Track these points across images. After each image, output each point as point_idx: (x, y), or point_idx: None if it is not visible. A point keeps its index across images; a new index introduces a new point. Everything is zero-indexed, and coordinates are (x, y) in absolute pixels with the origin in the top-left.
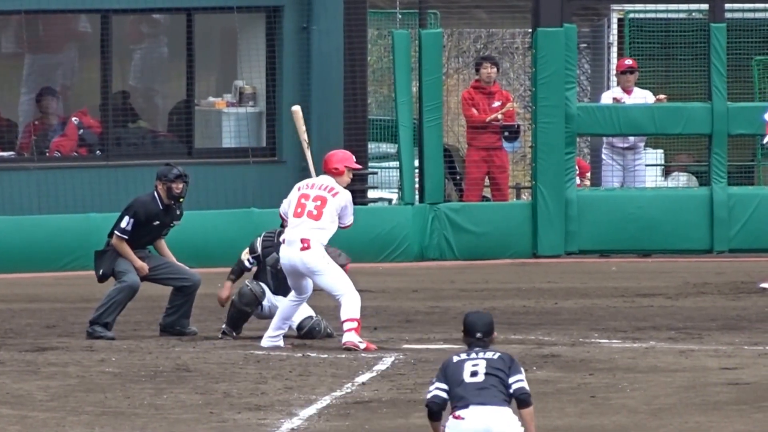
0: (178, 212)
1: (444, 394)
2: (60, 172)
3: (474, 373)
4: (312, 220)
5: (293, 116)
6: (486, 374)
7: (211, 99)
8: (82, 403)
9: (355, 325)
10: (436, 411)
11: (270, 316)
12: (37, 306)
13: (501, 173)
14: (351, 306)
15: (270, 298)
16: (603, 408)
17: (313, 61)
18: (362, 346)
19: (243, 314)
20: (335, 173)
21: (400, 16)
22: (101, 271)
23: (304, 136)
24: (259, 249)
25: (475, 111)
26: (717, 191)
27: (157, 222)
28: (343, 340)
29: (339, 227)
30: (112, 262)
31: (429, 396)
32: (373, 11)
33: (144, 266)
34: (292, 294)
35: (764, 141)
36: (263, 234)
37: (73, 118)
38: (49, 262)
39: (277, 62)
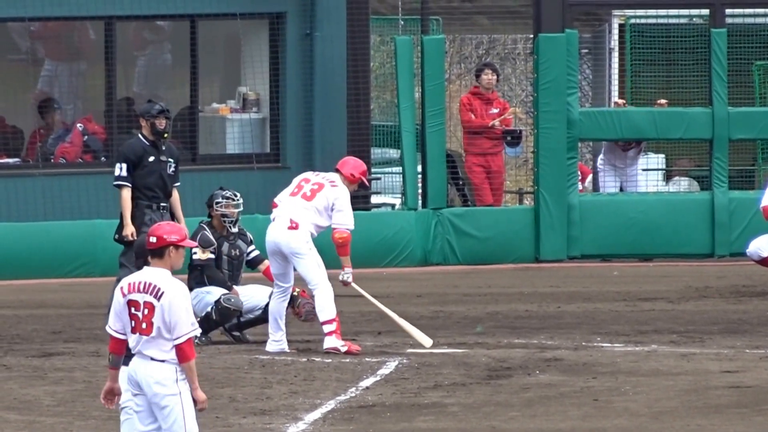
0: (168, 149)
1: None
2: (65, 179)
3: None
4: (305, 200)
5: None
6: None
7: (214, 105)
8: (88, 408)
9: (333, 327)
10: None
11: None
12: (43, 312)
13: (497, 178)
14: (325, 304)
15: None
16: (605, 411)
17: (316, 68)
18: (344, 349)
19: (218, 326)
20: (349, 178)
21: (402, 23)
22: (117, 236)
23: None
24: (214, 239)
25: (472, 116)
26: (718, 195)
27: (152, 158)
28: (324, 346)
29: (332, 225)
30: (138, 225)
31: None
32: (375, 17)
33: (133, 231)
34: (276, 290)
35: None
36: (200, 229)
37: (78, 125)
38: (55, 268)
39: (281, 68)
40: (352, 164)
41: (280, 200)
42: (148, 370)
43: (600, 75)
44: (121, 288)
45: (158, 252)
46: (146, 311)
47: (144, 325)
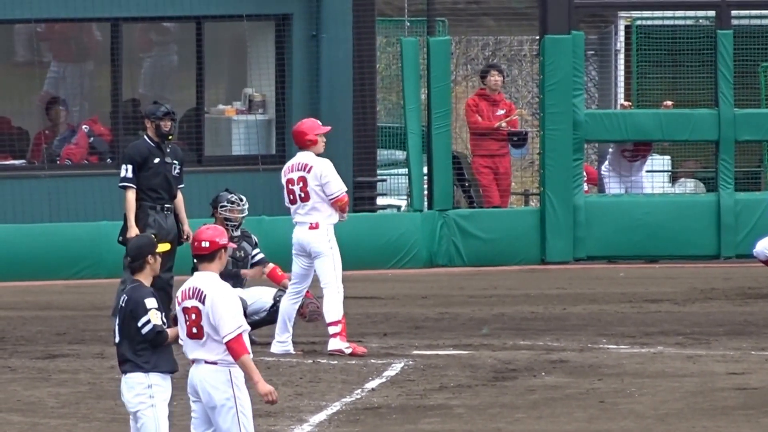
0: (172, 151)
1: None
2: (71, 180)
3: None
4: (305, 203)
5: None
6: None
7: (220, 107)
8: (92, 410)
9: (338, 329)
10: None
11: None
12: (48, 314)
13: (505, 179)
14: (333, 306)
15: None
16: (611, 413)
17: (322, 69)
18: (348, 351)
19: None
20: (309, 145)
21: (408, 24)
22: (121, 238)
23: None
24: None
25: (479, 117)
26: (724, 197)
27: (157, 159)
28: (329, 348)
29: (330, 201)
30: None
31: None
32: (381, 19)
33: (138, 234)
34: (291, 289)
35: None
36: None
37: (84, 126)
38: (60, 270)
39: (287, 70)
40: (303, 130)
41: (288, 206)
42: (202, 373)
43: (606, 77)
44: (177, 297)
45: (209, 256)
46: (194, 315)
47: (194, 330)
